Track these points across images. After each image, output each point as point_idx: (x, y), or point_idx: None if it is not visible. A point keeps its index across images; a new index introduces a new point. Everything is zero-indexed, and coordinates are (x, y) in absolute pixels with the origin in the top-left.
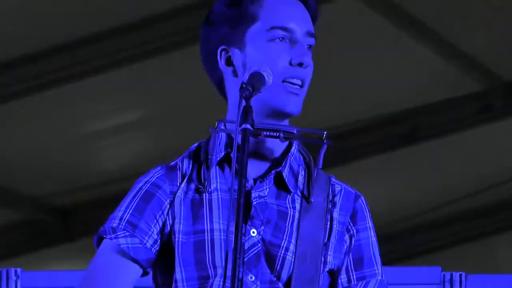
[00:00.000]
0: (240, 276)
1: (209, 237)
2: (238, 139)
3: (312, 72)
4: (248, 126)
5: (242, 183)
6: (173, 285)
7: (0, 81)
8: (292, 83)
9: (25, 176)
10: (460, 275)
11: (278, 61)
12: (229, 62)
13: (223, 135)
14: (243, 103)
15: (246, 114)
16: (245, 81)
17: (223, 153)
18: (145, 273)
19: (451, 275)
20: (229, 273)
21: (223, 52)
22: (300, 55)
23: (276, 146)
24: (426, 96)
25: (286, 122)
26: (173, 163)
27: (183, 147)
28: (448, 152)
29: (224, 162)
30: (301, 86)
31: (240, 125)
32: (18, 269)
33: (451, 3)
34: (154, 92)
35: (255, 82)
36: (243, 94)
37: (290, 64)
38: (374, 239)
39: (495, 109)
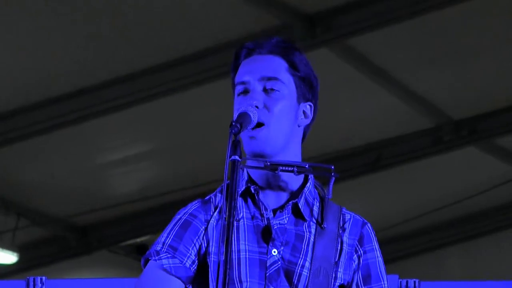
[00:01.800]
0: None
1: (236, 256)
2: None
3: (275, 106)
4: (237, 157)
5: (232, 205)
6: None
7: (29, 119)
8: (232, 126)
9: (51, 199)
10: (414, 282)
11: (237, 112)
12: None
13: (245, 172)
14: (232, 138)
15: (235, 147)
16: (234, 120)
17: (243, 187)
18: None
19: (407, 282)
20: (254, 286)
21: None
22: (246, 100)
23: (292, 180)
24: (387, 132)
25: (290, 157)
26: (208, 197)
27: (183, 176)
28: (405, 178)
29: (246, 194)
30: (258, 126)
31: (230, 157)
32: (43, 277)
33: (408, 54)
34: (158, 129)
35: (243, 120)
36: (232, 131)
37: None
38: (380, 258)
39: (445, 143)
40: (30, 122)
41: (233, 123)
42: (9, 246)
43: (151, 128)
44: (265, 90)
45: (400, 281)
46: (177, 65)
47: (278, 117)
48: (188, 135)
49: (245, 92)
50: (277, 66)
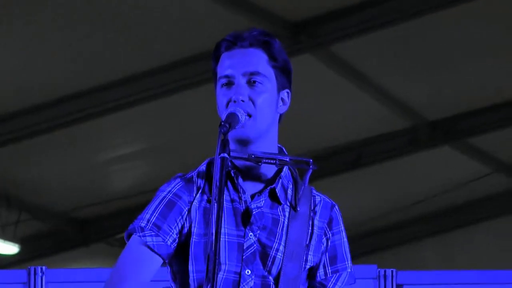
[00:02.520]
0: (239, 270)
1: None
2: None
3: (259, 98)
4: (225, 155)
5: (221, 198)
6: (188, 275)
7: (31, 120)
8: (221, 125)
9: (51, 195)
10: (392, 271)
11: (222, 104)
12: None
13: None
14: (221, 137)
15: (224, 145)
16: (223, 120)
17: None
18: (164, 264)
19: (385, 271)
20: (231, 268)
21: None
22: (232, 95)
23: (270, 169)
24: (367, 132)
25: (266, 147)
26: (190, 175)
27: (176, 172)
28: (384, 175)
29: (227, 178)
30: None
31: (219, 154)
32: (44, 267)
33: (387, 60)
34: (152, 129)
35: (231, 120)
36: (221, 130)
37: (227, 104)
38: (345, 239)
39: (421, 142)
40: (31, 123)
41: (222, 123)
42: (11, 238)
43: (146, 128)
44: (248, 83)
45: (379, 271)
46: (171, 69)
47: (262, 108)
48: (181, 134)
49: (229, 84)
50: (259, 59)
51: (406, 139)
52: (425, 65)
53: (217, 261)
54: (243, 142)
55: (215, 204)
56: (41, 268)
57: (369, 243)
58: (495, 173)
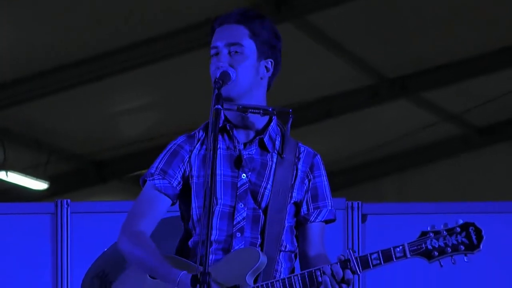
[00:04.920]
0: (233, 204)
1: (214, 179)
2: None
3: (240, 66)
4: (219, 106)
5: (215, 145)
6: (191, 211)
7: (55, 79)
8: (215, 82)
9: (75, 140)
10: (358, 203)
11: (211, 69)
12: None
13: (222, 113)
14: (216, 91)
15: (218, 99)
16: (217, 77)
17: (221, 125)
18: (173, 203)
19: (352, 203)
20: (227, 202)
21: None
22: (216, 63)
23: (259, 121)
24: (337, 88)
25: (255, 101)
26: (193, 133)
27: (180, 122)
28: (351, 124)
29: (223, 130)
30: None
31: (214, 106)
32: (68, 200)
33: (354, 27)
34: (160, 85)
35: (224, 78)
36: (216, 85)
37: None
38: (326, 182)
39: (381, 96)
40: (58, 80)
41: (217, 79)
42: (41, 176)
43: (154, 84)
44: (229, 53)
45: (347, 203)
46: (172, 36)
47: (241, 73)
48: (182, 89)
49: (217, 54)
50: (240, 33)
51: (369, 94)
52: (386, 32)
53: (214, 196)
54: (227, 100)
55: (211, 149)
56: (66, 201)
57: (339, 179)
58: (442, 122)
